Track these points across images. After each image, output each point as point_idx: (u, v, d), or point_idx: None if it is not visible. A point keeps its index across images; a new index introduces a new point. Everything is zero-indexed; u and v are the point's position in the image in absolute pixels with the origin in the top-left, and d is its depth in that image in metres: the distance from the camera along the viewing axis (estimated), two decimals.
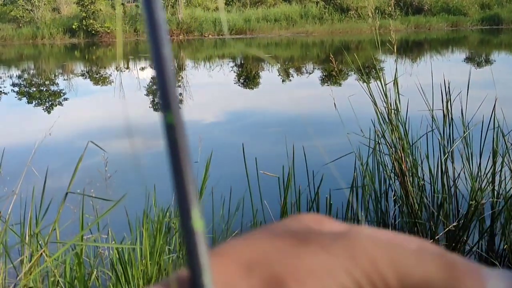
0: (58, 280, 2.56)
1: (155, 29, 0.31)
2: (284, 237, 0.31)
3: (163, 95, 0.30)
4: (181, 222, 0.28)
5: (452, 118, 3.53)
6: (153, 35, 0.31)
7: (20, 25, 28.41)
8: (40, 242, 2.72)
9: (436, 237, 3.22)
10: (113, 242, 2.95)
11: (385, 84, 3.54)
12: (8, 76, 16.45)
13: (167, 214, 3.13)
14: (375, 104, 3.54)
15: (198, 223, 0.28)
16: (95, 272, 2.78)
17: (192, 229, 0.28)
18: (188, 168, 0.29)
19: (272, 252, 0.30)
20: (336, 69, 4.15)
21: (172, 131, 0.29)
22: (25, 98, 12.42)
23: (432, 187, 3.45)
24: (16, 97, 12.38)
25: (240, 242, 0.32)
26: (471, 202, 3.19)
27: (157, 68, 0.30)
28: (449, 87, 3.55)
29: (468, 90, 3.57)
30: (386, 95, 3.52)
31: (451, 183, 3.44)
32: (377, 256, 0.28)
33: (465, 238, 3.23)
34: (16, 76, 16.53)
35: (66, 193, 2.57)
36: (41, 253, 2.50)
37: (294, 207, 3.28)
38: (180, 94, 12.35)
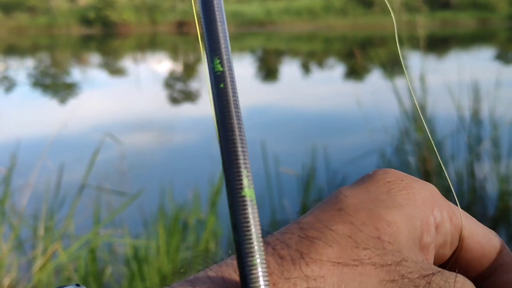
0: (71, 275, 2.50)
1: None
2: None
3: (211, 37, 0.27)
4: (229, 190, 0.25)
5: (480, 117, 3.42)
6: None
7: (37, 14, 28.55)
8: (54, 237, 2.68)
9: None
10: (128, 238, 2.89)
11: (411, 81, 3.44)
12: (23, 66, 16.50)
13: (183, 210, 3.06)
14: (400, 101, 3.44)
15: (248, 192, 0.25)
16: (109, 268, 2.73)
17: (241, 199, 0.25)
18: (237, 126, 0.26)
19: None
20: (360, 63, 4.07)
21: (220, 81, 0.26)
22: (40, 89, 12.44)
23: (458, 188, 3.34)
24: (31, 88, 12.40)
25: None
26: (499, 205, 3.08)
27: (204, 7, 0.27)
28: (477, 85, 3.45)
29: (497, 88, 3.46)
30: (412, 92, 3.42)
31: (478, 184, 3.33)
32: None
33: None
34: (31, 66, 16.58)
35: (82, 186, 2.51)
36: (55, 248, 2.44)
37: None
38: (198, 88, 12.33)
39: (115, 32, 27.65)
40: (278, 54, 18.98)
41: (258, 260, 0.25)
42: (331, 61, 16.98)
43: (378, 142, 3.58)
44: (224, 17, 0.27)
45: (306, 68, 15.16)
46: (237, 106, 0.26)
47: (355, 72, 12.55)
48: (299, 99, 9.93)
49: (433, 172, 3.29)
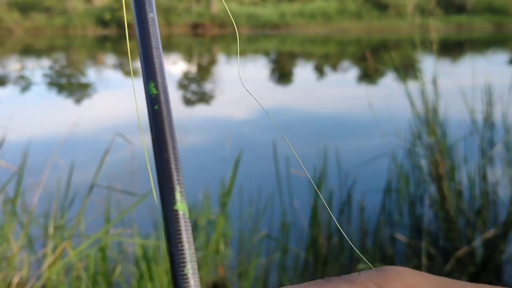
0: (81, 274, 2.51)
1: None
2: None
3: (146, 62, 0.28)
4: (163, 204, 0.27)
5: (493, 121, 3.39)
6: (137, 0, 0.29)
7: (53, 15, 28.74)
8: (64, 235, 2.69)
9: (473, 245, 3.09)
10: (138, 237, 2.90)
11: (424, 84, 3.42)
12: (39, 66, 16.61)
13: (194, 210, 3.06)
14: (413, 104, 3.42)
15: (181, 206, 0.26)
16: (119, 268, 2.73)
17: (174, 213, 0.26)
18: (171, 145, 0.27)
19: None
20: (372, 67, 4.06)
21: (155, 103, 0.27)
22: (55, 89, 12.52)
23: (470, 192, 3.31)
24: (46, 88, 12.48)
25: None
26: (511, 209, 3.05)
27: (140, 33, 0.28)
28: (490, 89, 3.42)
29: (511, 92, 3.43)
30: (424, 95, 3.40)
31: (490, 188, 3.30)
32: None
33: (503, 247, 3.09)
34: (47, 66, 16.68)
35: (91, 186, 2.52)
36: (64, 246, 2.45)
37: (325, 209, 3.18)
38: (212, 89, 12.34)
39: (130, 33, 27.72)
40: (292, 57, 18.96)
41: (190, 270, 0.26)
42: (345, 64, 16.93)
43: (390, 145, 3.57)
44: (160, 43, 0.29)
45: (320, 71, 15.14)
46: (171, 126, 0.28)
47: (368, 75, 12.51)
48: (312, 102, 9.91)
49: (445, 175, 3.27)
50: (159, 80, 0.28)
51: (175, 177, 0.27)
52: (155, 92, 0.28)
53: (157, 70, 0.28)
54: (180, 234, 0.26)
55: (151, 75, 0.28)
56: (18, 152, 3.14)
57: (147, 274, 2.59)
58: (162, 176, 0.27)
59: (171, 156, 0.27)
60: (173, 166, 0.27)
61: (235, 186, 3.08)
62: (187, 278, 0.26)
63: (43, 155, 3.35)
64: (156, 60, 0.28)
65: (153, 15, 0.30)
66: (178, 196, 0.26)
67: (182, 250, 0.26)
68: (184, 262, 0.26)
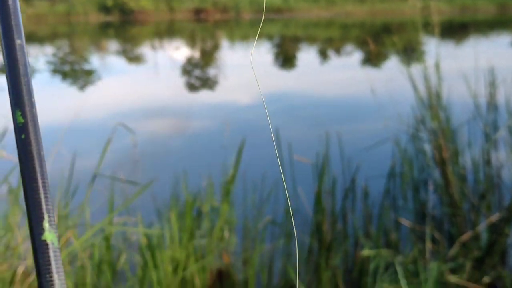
0: (86, 263, 2.52)
1: (8, 18, 0.27)
2: None
3: (14, 90, 0.27)
4: (31, 234, 0.25)
5: (496, 105, 3.37)
6: (5, 26, 0.27)
7: (55, 2, 28.67)
8: (68, 224, 2.70)
9: (477, 229, 3.08)
10: (142, 226, 2.90)
11: (426, 68, 3.40)
12: (43, 53, 16.59)
13: (197, 198, 3.06)
14: (416, 88, 3.40)
15: (49, 236, 0.25)
16: (123, 256, 2.74)
17: (43, 243, 0.25)
18: (40, 173, 0.26)
19: None
20: (374, 52, 4.04)
21: (22, 132, 0.26)
22: (58, 76, 12.50)
23: (474, 176, 3.30)
24: (50, 75, 12.46)
25: None
26: None
27: (8, 60, 0.27)
28: (493, 71, 3.39)
29: None
30: (427, 79, 3.38)
31: (495, 172, 3.29)
32: None
33: (508, 231, 3.08)
34: (51, 53, 16.65)
35: (94, 176, 2.53)
36: (69, 236, 2.46)
37: (329, 195, 3.17)
38: (216, 75, 12.31)
39: (133, 19, 27.68)
40: (296, 41, 18.87)
41: None
42: (349, 47, 16.85)
43: (393, 129, 3.55)
44: (28, 70, 0.28)
45: (323, 55, 15.07)
46: (40, 154, 0.27)
47: (371, 59, 12.45)
48: (316, 86, 9.88)
49: (448, 160, 3.26)
50: (27, 108, 0.27)
51: (44, 206, 0.26)
52: (22, 120, 0.27)
53: (25, 98, 0.27)
54: (49, 265, 0.25)
55: (18, 104, 0.27)
56: None
57: (152, 262, 2.60)
58: (31, 205, 0.26)
59: (40, 185, 0.26)
60: (42, 195, 0.26)
61: (239, 172, 3.07)
62: None
63: (47, 144, 3.35)
64: (24, 87, 0.27)
65: (21, 42, 0.28)
66: (46, 225, 0.26)
67: (52, 281, 0.25)
68: None
